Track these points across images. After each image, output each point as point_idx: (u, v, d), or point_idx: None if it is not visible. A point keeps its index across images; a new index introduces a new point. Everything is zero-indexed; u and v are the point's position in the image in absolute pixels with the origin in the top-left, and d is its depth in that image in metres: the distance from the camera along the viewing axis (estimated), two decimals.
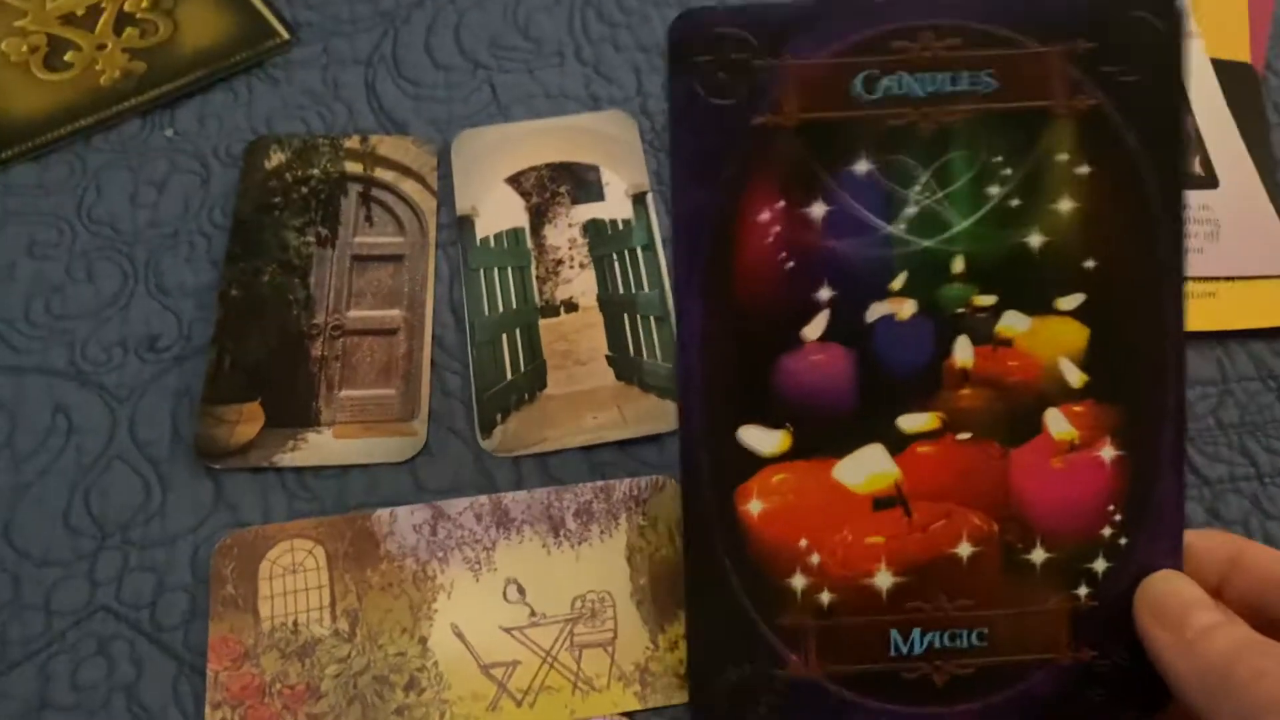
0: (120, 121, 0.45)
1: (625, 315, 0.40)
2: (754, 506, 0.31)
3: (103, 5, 0.48)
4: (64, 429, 0.38)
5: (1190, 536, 0.31)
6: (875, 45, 0.30)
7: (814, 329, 0.30)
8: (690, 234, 0.30)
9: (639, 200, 0.43)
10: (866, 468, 0.31)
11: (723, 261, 0.30)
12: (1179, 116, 0.30)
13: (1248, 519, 0.36)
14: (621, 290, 0.41)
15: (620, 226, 0.42)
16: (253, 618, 0.34)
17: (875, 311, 0.30)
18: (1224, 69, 0.46)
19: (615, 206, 0.43)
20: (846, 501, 0.31)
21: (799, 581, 0.31)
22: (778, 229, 0.30)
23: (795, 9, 0.30)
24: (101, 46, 0.47)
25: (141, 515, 0.36)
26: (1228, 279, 0.41)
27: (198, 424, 0.37)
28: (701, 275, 0.30)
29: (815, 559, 0.31)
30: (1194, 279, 0.40)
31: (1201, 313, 0.40)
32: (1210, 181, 0.42)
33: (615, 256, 0.42)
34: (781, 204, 0.30)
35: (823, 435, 0.31)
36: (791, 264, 0.30)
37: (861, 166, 0.30)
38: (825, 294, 0.30)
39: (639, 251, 0.41)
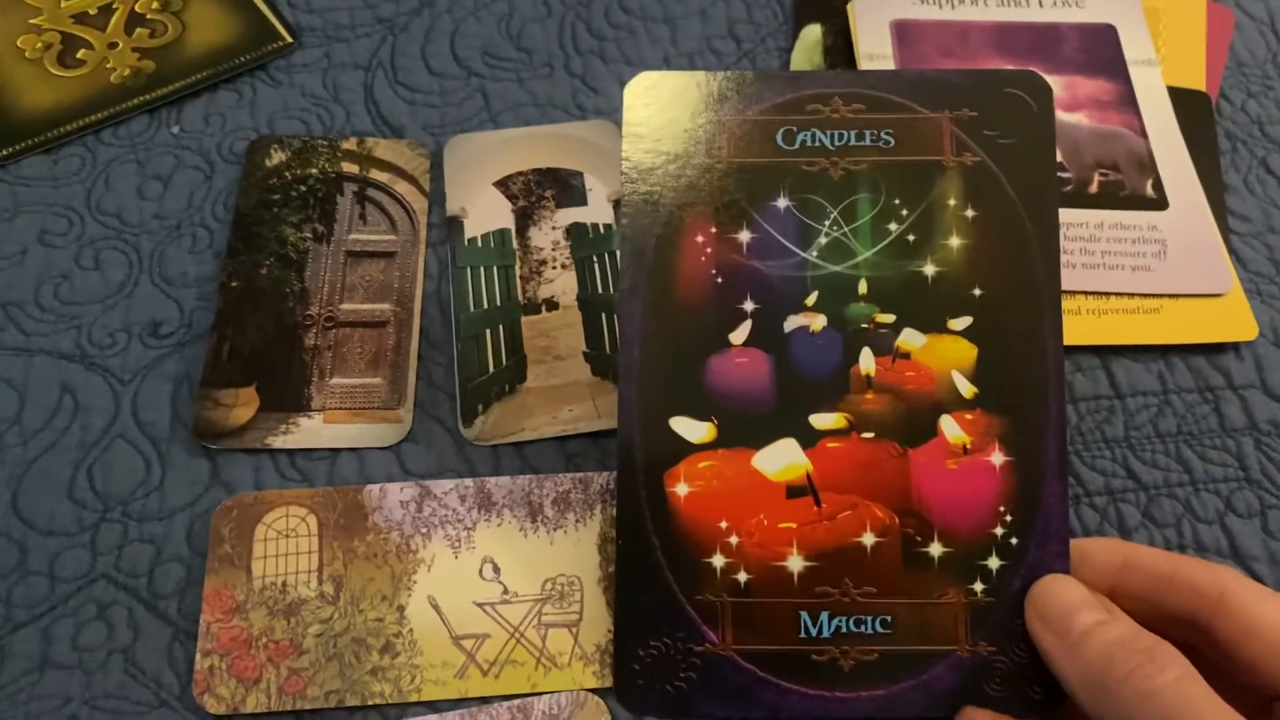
0: (129, 118, 0.47)
1: (603, 314, 0.43)
2: (681, 489, 0.34)
3: (114, 5, 0.51)
4: (70, 408, 0.40)
5: (1086, 543, 0.33)
6: (793, 106, 0.36)
7: (739, 335, 0.35)
8: (635, 248, 0.35)
9: (620, 206, 0.45)
10: (782, 459, 0.34)
11: (663, 272, 0.35)
12: (1050, 172, 0.35)
13: (1180, 522, 0.39)
14: (601, 291, 0.43)
15: (601, 230, 0.44)
16: (245, 575, 0.36)
17: (792, 323, 0.35)
18: (1180, 96, 0.48)
19: (597, 211, 0.45)
20: (763, 488, 0.34)
21: (719, 561, 0.34)
22: (710, 249, 0.35)
23: (732, 77, 0.36)
24: (113, 45, 0.49)
25: (141, 490, 0.38)
26: (1172, 296, 0.43)
27: (196, 406, 0.39)
28: (644, 282, 0.35)
29: (734, 540, 0.34)
30: (1141, 295, 0.43)
31: (1146, 328, 0.42)
32: (1160, 203, 0.45)
33: (595, 259, 0.44)
34: (713, 229, 0.35)
35: (744, 427, 0.34)
36: (720, 279, 0.35)
37: (781, 202, 0.36)
38: (749, 305, 0.35)
39: (618, 254, 0.44)
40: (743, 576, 0.34)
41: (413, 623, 0.36)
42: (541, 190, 0.45)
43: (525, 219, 0.45)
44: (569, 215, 0.45)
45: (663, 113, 0.36)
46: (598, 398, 0.41)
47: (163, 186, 0.45)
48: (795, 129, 0.36)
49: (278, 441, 0.39)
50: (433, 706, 0.35)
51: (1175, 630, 0.30)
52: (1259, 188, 0.46)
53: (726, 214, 0.36)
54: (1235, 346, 0.42)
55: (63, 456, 0.39)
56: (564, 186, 0.46)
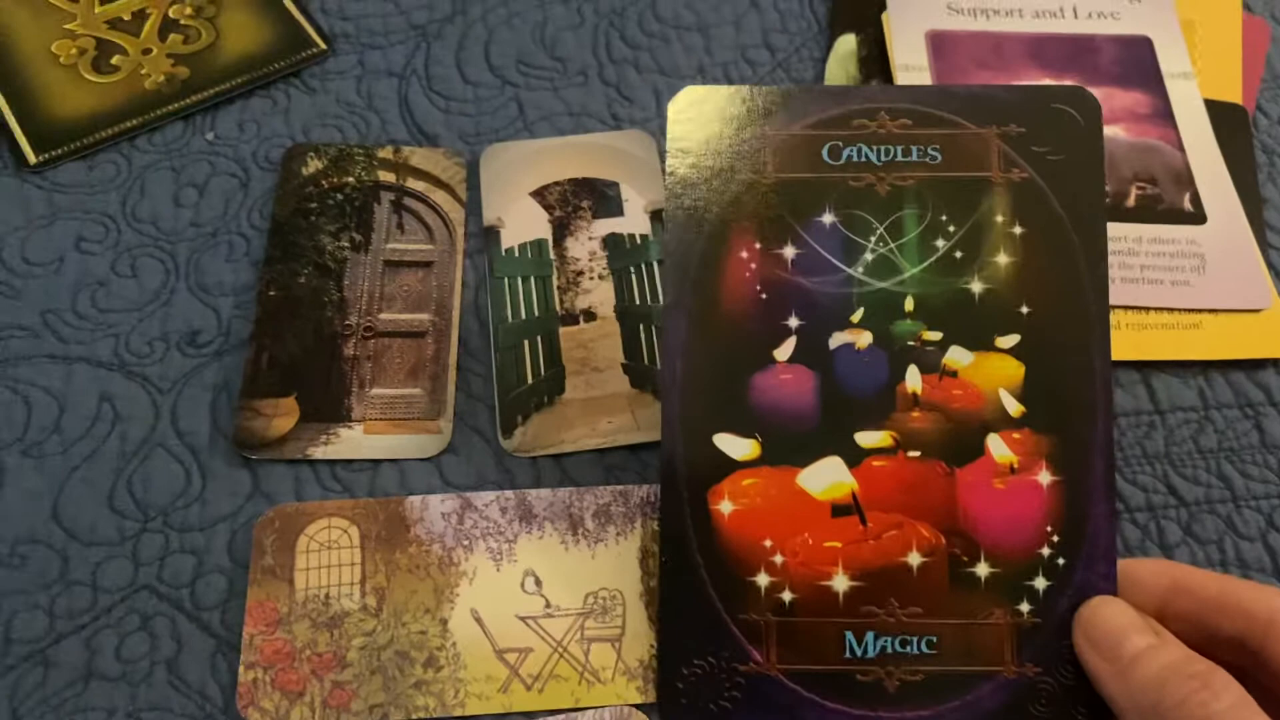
0: (164, 124, 0.47)
1: (641, 325, 0.42)
2: (725, 507, 0.34)
3: (148, 11, 0.50)
4: (109, 417, 0.40)
5: (1133, 564, 0.33)
6: (840, 121, 0.36)
7: (784, 351, 0.35)
8: (679, 263, 0.35)
9: (656, 216, 0.45)
10: (827, 477, 0.34)
11: (707, 288, 0.35)
12: (1099, 189, 0.35)
13: (1222, 539, 0.39)
14: (638, 301, 0.43)
15: (638, 241, 0.44)
16: (288, 587, 0.36)
17: (837, 340, 0.35)
18: (1217, 109, 0.48)
19: (634, 222, 0.45)
20: (808, 507, 0.34)
21: (763, 579, 0.34)
22: (755, 265, 0.35)
23: (776, 91, 0.36)
24: (147, 51, 0.49)
25: (182, 501, 0.38)
26: (1211, 311, 0.43)
27: (236, 416, 0.39)
28: (688, 298, 0.35)
29: (779, 559, 0.34)
30: (1180, 310, 0.43)
31: (1186, 343, 0.42)
32: (1199, 218, 0.45)
33: (633, 269, 0.44)
34: (758, 245, 0.35)
35: (789, 445, 0.34)
36: (765, 295, 0.35)
37: (827, 218, 0.35)
38: (794, 322, 0.35)
39: (655, 265, 0.44)
40: (787, 596, 0.34)
41: (455, 636, 0.35)
42: (578, 200, 0.45)
43: (562, 229, 0.45)
44: (605, 226, 0.45)
45: (706, 127, 0.36)
46: (637, 410, 0.40)
47: (198, 194, 0.45)
48: (841, 144, 0.36)
49: (318, 452, 0.39)
50: None
51: (1223, 653, 0.30)
52: None
53: (771, 229, 0.35)
54: (1276, 362, 0.42)
55: (103, 465, 0.39)
56: (600, 197, 0.45)
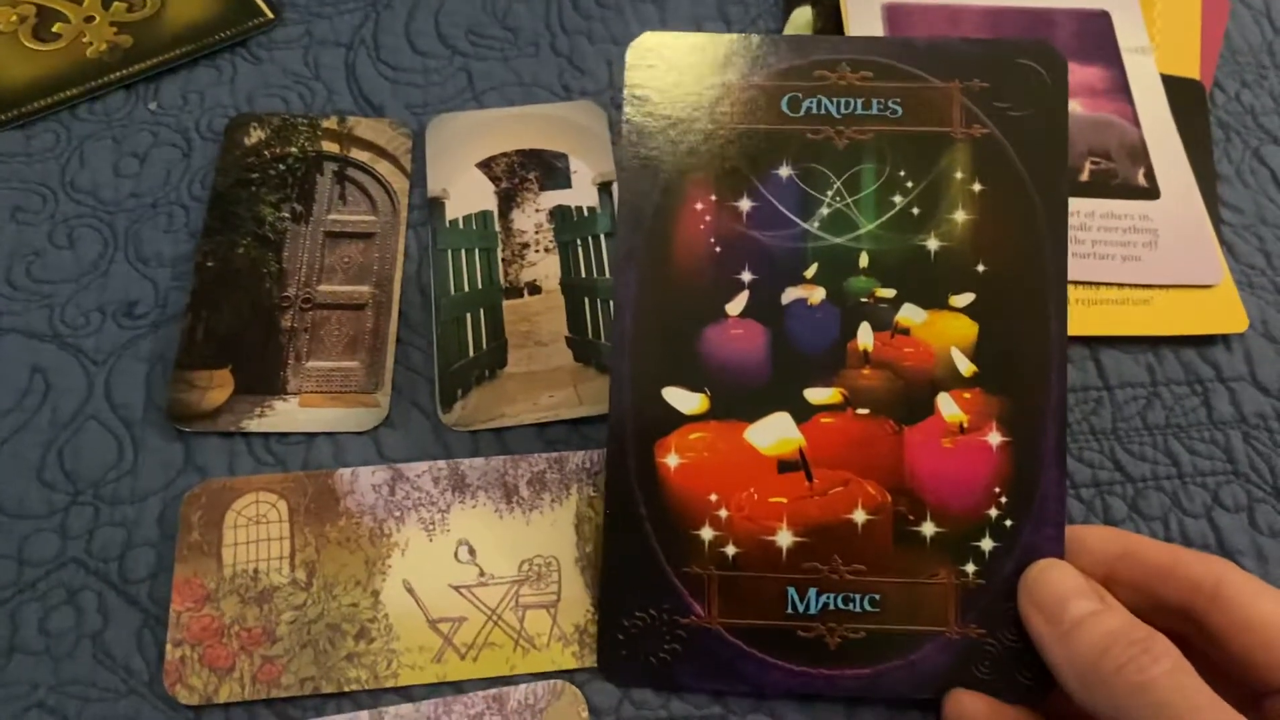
0: (105, 93, 0.46)
1: (586, 299, 0.42)
2: (671, 460, 0.34)
3: None
4: (41, 389, 0.39)
5: (1082, 530, 0.33)
6: (801, 72, 0.35)
7: (736, 305, 0.34)
8: (633, 214, 0.34)
9: (605, 189, 0.44)
10: (775, 432, 0.34)
11: (660, 240, 0.34)
12: (1062, 148, 0.34)
13: (1167, 515, 0.38)
14: (584, 275, 0.42)
15: (585, 213, 0.44)
16: (216, 563, 0.35)
17: (790, 295, 0.34)
18: (1174, 84, 0.47)
19: (582, 194, 0.44)
20: (755, 462, 0.34)
21: (707, 533, 0.33)
22: (709, 217, 0.34)
23: (738, 39, 0.35)
24: (89, 19, 0.48)
25: (113, 473, 0.37)
26: (1163, 287, 0.42)
27: (170, 388, 0.39)
28: (641, 249, 0.34)
29: (723, 513, 0.33)
30: (1131, 286, 0.43)
31: (1136, 319, 0.42)
32: (1152, 192, 0.44)
33: (579, 242, 0.43)
34: (714, 197, 0.35)
35: (737, 400, 0.34)
36: (719, 248, 0.34)
37: (784, 171, 0.35)
38: (747, 276, 0.34)
39: (602, 238, 0.43)
40: (731, 550, 0.33)
41: (388, 608, 0.35)
42: (525, 172, 0.45)
43: (508, 201, 0.44)
44: (553, 198, 0.44)
45: (666, 75, 0.35)
46: (579, 384, 0.40)
47: (139, 164, 0.45)
48: (801, 96, 0.35)
49: (252, 425, 0.38)
50: (410, 692, 0.34)
51: (1167, 620, 0.30)
52: (1251, 179, 0.46)
53: (727, 182, 0.35)
54: (1225, 339, 0.42)
55: (33, 438, 0.38)
56: (548, 168, 0.45)
